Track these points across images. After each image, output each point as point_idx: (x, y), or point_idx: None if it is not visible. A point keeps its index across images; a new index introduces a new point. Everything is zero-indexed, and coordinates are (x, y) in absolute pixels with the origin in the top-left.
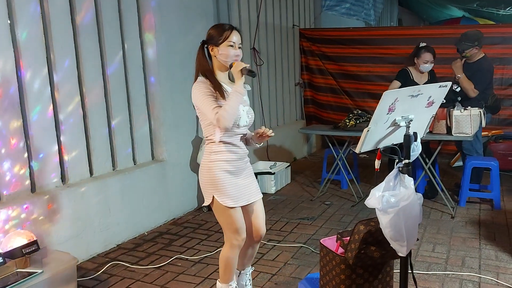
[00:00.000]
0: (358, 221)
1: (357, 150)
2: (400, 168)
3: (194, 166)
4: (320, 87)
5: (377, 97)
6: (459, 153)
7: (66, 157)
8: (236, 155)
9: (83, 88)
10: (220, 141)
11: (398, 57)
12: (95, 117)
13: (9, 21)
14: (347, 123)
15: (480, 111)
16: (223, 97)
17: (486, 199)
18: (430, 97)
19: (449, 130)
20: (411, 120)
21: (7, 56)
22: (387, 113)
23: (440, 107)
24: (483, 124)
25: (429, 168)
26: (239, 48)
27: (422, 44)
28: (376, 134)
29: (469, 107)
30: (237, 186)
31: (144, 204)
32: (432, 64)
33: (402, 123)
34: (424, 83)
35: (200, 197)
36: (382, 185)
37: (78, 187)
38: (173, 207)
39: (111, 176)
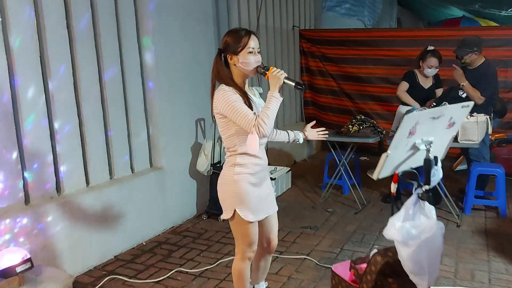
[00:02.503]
0: (375, 252)
1: (374, 176)
2: (420, 195)
3: (193, 173)
4: (320, 89)
5: (378, 99)
6: (462, 157)
7: (61, 167)
8: (260, 167)
9: (79, 95)
10: (243, 153)
11: (399, 59)
12: (91, 124)
13: (1, 25)
14: (350, 129)
15: (486, 117)
16: (250, 106)
17: (491, 207)
18: (451, 118)
19: (455, 137)
20: (431, 143)
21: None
22: (408, 137)
23: None
24: (490, 131)
25: None
26: (259, 52)
27: (430, 48)
28: (395, 159)
29: (475, 113)
30: (259, 198)
31: (142, 213)
32: (437, 70)
33: (422, 146)
34: (429, 87)
35: (199, 204)
36: (401, 214)
37: (74, 198)
38: (172, 215)
39: (108, 185)
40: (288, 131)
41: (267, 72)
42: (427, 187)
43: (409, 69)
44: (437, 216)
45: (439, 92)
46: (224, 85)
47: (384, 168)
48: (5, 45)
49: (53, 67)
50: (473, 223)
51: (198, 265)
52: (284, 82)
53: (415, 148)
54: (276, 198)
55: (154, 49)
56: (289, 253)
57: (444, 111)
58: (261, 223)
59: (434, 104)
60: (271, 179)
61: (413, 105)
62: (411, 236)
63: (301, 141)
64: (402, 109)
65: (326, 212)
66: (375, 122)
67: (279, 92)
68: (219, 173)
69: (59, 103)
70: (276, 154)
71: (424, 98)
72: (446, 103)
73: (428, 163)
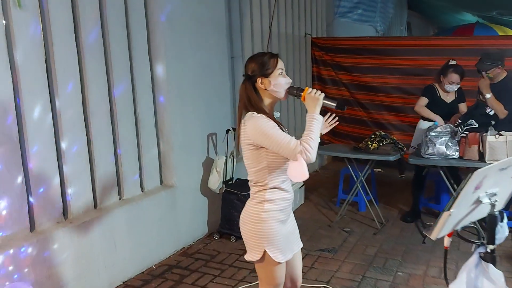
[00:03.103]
0: None
1: (433, 237)
2: (482, 255)
3: (205, 190)
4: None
5: (393, 110)
6: None
7: (68, 190)
8: (288, 202)
9: (87, 112)
10: (274, 187)
11: (415, 68)
12: (100, 143)
13: (5, 40)
14: (369, 146)
15: None
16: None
17: None
18: None
19: (481, 156)
20: (495, 195)
21: (4, 82)
22: (473, 192)
23: (471, 131)
24: None
25: None
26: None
27: (452, 62)
28: (457, 217)
29: (503, 131)
30: (286, 236)
31: (152, 234)
32: (458, 85)
33: (485, 200)
34: (451, 101)
35: (211, 223)
36: (462, 278)
37: (81, 222)
38: (183, 235)
39: (117, 206)
40: None
41: (302, 93)
42: (491, 247)
43: (429, 82)
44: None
45: (462, 106)
46: (254, 113)
47: (445, 227)
48: (10, 61)
49: (60, 84)
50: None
51: None
52: (323, 103)
53: (478, 202)
54: None
55: (166, 62)
56: (307, 279)
57: None
58: (286, 263)
59: (460, 121)
60: None
61: (434, 119)
62: None
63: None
64: (423, 125)
65: (343, 232)
66: (395, 138)
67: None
68: (231, 191)
69: (66, 121)
70: None
71: (447, 112)
72: (473, 120)
73: (493, 220)
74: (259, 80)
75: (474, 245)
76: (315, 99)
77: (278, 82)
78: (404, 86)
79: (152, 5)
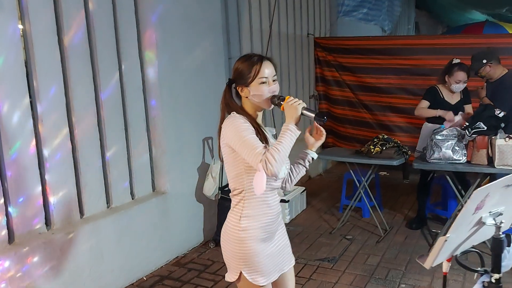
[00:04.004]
0: None
1: (427, 265)
2: (486, 284)
3: (200, 197)
4: (336, 99)
5: (398, 111)
6: (488, 177)
7: (51, 199)
8: (271, 218)
9: (72, 117)
10: (252, 199)
11: (422, 68)
12: (86, 149)
13: None
14: (372, 150)
15: None
16: (265, 139)
17: None
18: None
19: (490, 161)
20: (501, 214)
21: None
22: (473, 213)
23: (480, 134)
24: None
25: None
26: (274, 81)
27: (456, 61)
28: (455, 241)
29: None
30: (271, 256)
31: (142, 244)
32: (465, 84)
33: (489, 221)
34: (457, 103)
35: (206, 230)
36: None
37: (65, 233)
38: (176, 244)
39: (105, 215)
40: (300, 160)
41: (282, 103)
42: (496, 276)
43: (431, 83)
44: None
45: (468, 108)
46: (234, 113)
47: (441, 253)
48: None
49: (42, 88)
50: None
51: None
52: (302, 113)
53: (480, 223)
54: (290, 222)
55: (158, 63)
56: None
57: None
58: (274, 283)
59: (467, 123)
60: (284, 201)
61: (433, 114)
62: None
63: (315, 156)
64: (429, 127)
65: (345, 239)
66: (399, 142)
67: (296, 125)
68: (227, 198)
69: (48, 127)
70: None
71: None
72: (481, 123)
73: (499, 244)
74: (239, 88)
75: (476, 274)
76: (292, 108)
77: (257, 93)
78: (410, 87)
79: (143, 3)
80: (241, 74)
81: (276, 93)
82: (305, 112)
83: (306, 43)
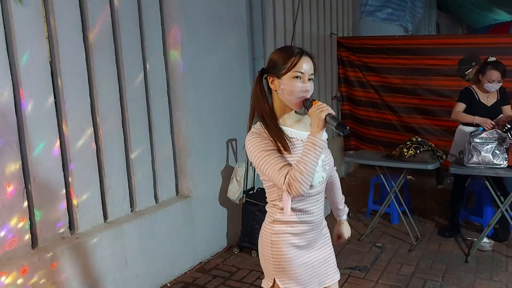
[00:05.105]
0: None
1: None
2: None
3: (224, 200)
4: (360, 101)
5: (425, 113)
6: None
7: (75, 202)
8: (309, 226)
9: (96, 117)
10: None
11: (449, 68)
12: (110, 150)
13: (5, 38)
14: (405, 153)
15: None
16: (287, 150)
17: None
18: None
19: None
20: None
21: (3, 85)
22: None
23: None
24: None
25: (506, 209)
26: (310, 80)
27: (491, 59)
28: None
29: None
30: (308, 265)
31: (166, 249)
32: (500, 84)
33: None
34: (493, 104)
35: (230, 235)
36: None
37: (89, 237)
38: (200, 249)
39: (128, 219)
40: (340, 204)
41: (309, 109)
42: None
43: (462, 82)
44: (509, 257)
45: (506, 109)
46: (257, 125)
47: None
48: (10, 63)
49: (67, 87)
50: None
51: None
52: (326, 121)
53: None
54: None
55: (183, 63)
56: None
57: None
58: None
59: (509, 126)
60: None
61: (471, 121)
62: None
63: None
64: (464, 129)
65: (375, 247)
66: (433, 145)
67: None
68: (252, 201)
69: (73, 127)
70: None
71: (489, 118)
72: None
73: None
74: (270, 79)
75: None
76: (316, 117)
77: (288, 87)
78: (437, 88)
79: (167, 1)
80: (275, 63)
81: (309, 95)
82: (328, 119)
83: (328, 43)
